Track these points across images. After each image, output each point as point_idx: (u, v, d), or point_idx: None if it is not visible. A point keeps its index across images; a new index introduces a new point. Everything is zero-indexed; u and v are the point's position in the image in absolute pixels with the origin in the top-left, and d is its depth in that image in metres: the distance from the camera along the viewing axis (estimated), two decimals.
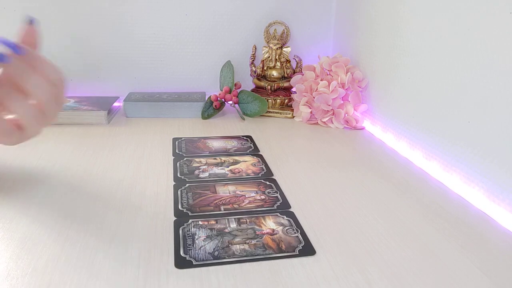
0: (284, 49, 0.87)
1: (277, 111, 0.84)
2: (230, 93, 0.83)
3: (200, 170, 0.58)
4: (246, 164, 0.60)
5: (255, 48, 0.90)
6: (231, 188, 0.52)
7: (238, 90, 0.84)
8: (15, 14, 0.85)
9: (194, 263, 0.38)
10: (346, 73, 0.77)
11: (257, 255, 0.39)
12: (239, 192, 0.51)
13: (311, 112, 0.80)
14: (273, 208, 0.48)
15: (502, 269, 0.37)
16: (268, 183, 0.54)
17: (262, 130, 0.76)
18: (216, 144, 0.68)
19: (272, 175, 0.57)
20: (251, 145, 0.68)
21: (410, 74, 0.64)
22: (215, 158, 0.62)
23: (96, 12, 0.87)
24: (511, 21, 0.44)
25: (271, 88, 0.86)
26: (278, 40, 0.87)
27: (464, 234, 0.43)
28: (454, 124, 0.54)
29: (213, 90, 0.91)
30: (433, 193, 0.52)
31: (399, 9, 0.66)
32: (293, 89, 0.85)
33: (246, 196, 0.51)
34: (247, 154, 0.64)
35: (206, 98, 0.85)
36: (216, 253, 0.39)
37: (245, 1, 0.91)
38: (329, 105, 0.77)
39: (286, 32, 0.87)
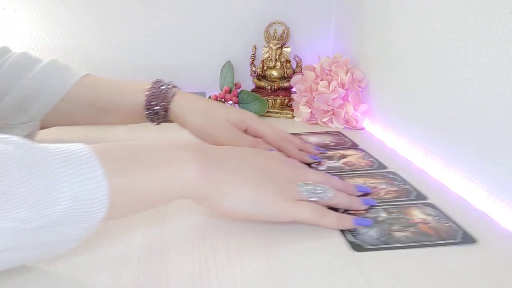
0: (284, 49, 0.87)
1: (277, 111, 0.84)
2: (230, 93, 0.83)
3: None
4: None
5: (255, 48, 0.90)
6: None
7: (238, 90, 0.84)
8: (15, 14, 0.85)
9: (367, 247, 0.39)
10: (346, 73, 0.77)
11: (422, 241, 0.40)
12: None
13: (311, 112, 0.80)
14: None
15: (502, 269, 0.37)
16: None
17: None
18: None
19: None
20: None
21: (410, 74, 0.64)
22: None
23: (95, 12, 0.87)
24: (511, 21, 0.44)
25: (271, 88, 0.86)
26: (278, 40, 0.87)
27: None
28: (454, 124, 0.54)
29: (213, 90, 0.91)
30: (433, 193, 0.52)
31: (399, 9, 0.66)
32: (293, 89, 0.85)
33: None
34: None
35: (206, 98, 0.85)
36: (383, 238, 0.41)
37: (245, 1, 0.91)
38: (329, 105, 0.77)
39: (286, 32, 0.87)
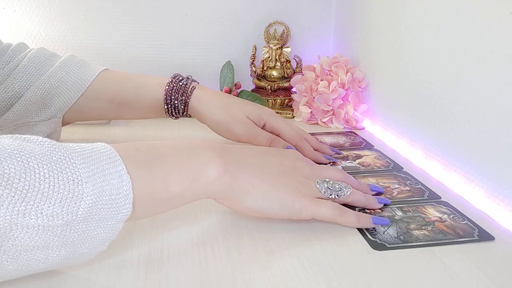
0: (284, 49, 0.87)
1: (277, 111, 0.84)
2: (230, 93, 0.83)
3: None
4: None
5: (255, 48, 0.90)
6: None
7: (238, 90, 0.84)
8: (15, 14, 0.85)
9: (388, 246, 0.39)
10: (346, 73, 0.77)
11: (440, 239, 0.40)
12: None
13: (311, 112, 0.80)
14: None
15: (502, 269, 0.37)
16: None
17: None
18: None
19: None
20: None
21: (410, 74, 0.64)
22: None
23: (95, 12, 0.87)
24: (511, 21, 0.44)
25: (271, 88, 0.86)
26: (278, 40, 0.87)
27: None
28: (454, 124, 0.54)
29: None
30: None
31: (399, 9, 0.66)
32: (293, 89, 0.85)
33: None
34: None
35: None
36: (402, 237, 0.41)
37: (245, 1, 0.91)
38: (329, 105, 0.77)
39: (286, 32, 0.87)
